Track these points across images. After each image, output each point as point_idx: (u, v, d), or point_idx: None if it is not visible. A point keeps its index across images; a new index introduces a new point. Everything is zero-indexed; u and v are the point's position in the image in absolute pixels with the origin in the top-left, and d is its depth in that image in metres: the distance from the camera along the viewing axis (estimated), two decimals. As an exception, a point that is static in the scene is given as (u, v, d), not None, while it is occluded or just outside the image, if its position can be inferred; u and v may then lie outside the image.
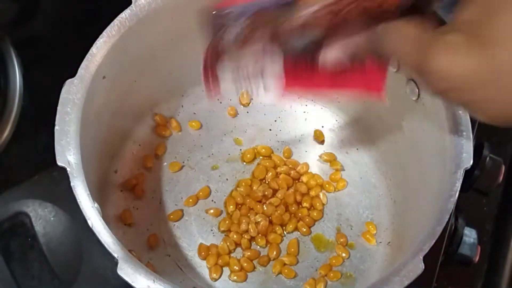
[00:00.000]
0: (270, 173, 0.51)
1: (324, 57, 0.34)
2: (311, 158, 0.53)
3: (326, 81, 0.36)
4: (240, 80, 0.36)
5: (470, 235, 0.51)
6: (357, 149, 0.53)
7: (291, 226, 0.49)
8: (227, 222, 0.49)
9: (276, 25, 0.33)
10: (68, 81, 0.40)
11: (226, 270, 0.48)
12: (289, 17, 0.32)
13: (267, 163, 0.52)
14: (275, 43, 0.34)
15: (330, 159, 0.52)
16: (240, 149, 0.53)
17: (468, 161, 0.40)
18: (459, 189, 0.39)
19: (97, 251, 0.41)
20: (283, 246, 0.49)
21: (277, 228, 0.49)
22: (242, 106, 0.54)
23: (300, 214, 0.50)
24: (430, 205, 0.41)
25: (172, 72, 0.51)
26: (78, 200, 0.37)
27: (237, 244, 0.49)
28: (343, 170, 0.52)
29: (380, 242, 0.49)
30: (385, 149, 0.51)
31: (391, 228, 0.49)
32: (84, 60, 0.41)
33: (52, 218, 0.43)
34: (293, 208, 0.50)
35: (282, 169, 0.51)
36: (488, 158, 0.53)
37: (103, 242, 0.36)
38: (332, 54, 0.34)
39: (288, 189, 0.51)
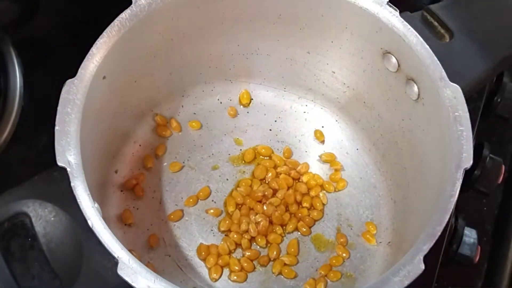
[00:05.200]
0: (270, 173, 0.51)
1: None
2: (311, 158, 0.53)
3: None
4: None
5: (470, 235, 0.52)
6: (357, 149, 0.53)
7: (291, 226, 0.49)
8: (227, 222, 0.49)
9: None
10: (68, 81, 0.40)
11: (226, 270, 0.48)
12: None
13: (267, 163, 0.52)
14: None
15: (330, 159, 0.52)
16: (240, 149, 0.53)
17: (468, 161, 0.40)
18: (459, 189, 0.39)
19: (97, 251, 0.40)
20: (283, 246, 0.49)
21: (277, 228, 0.49)
22: (242, 106, 0.54)
23: (300, 214, 0.50)
24: (430, 205, 0.41)
25: (172, 72, 0.51)
26: (78, 200, 0.37)
27: (237, 244, 0.49)
28: (343, 170, 0.52)
29: (380, 242, 0.49)
30: (385, 149, 0.51)
31: (391, 228, 0.49)
32: (84, 60, 0.41)
33: (52, 218, 0.43)
34: (293, 208, 0.50)
35: (282, 169, 0.51)
36: (488, 158, 0.53)
37: (103, 242, 0.36)
38: None
39: (288, 189, 0.51)
